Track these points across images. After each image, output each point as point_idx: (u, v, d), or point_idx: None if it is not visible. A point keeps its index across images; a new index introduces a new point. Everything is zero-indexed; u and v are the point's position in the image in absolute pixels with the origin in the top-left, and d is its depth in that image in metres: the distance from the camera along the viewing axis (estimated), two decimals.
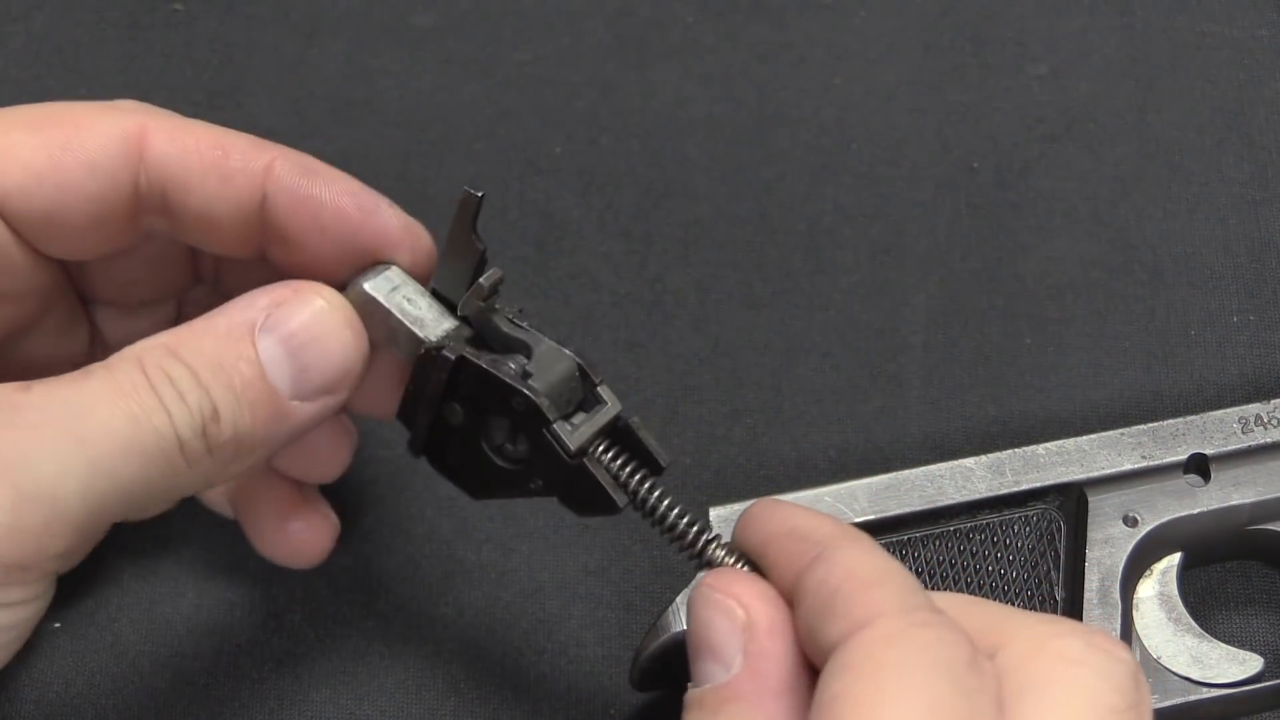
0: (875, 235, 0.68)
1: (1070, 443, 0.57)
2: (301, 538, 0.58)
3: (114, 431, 0.47)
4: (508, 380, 0.51)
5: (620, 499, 0.51)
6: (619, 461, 0.52)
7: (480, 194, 0.52)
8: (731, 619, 0.46)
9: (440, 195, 0.70)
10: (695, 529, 0.51)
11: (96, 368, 0.48)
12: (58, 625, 0.62)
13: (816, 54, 0.72)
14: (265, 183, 0.53)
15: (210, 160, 0.53)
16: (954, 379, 0.65)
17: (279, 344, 0.50)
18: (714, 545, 0.50)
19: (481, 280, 0.52)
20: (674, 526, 0.51)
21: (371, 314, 0.52)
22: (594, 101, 0.72)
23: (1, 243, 0.52)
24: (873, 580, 0.44)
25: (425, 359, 0.52)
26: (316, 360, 0.50)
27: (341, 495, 0.63)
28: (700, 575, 0.49)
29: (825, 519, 0.48)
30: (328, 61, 0.73)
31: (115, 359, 0.49)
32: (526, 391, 0.51)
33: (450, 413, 0.52)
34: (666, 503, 0.51)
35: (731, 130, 0.71)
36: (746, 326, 0.67)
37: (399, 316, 0.52)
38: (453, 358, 0.52)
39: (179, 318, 0.59)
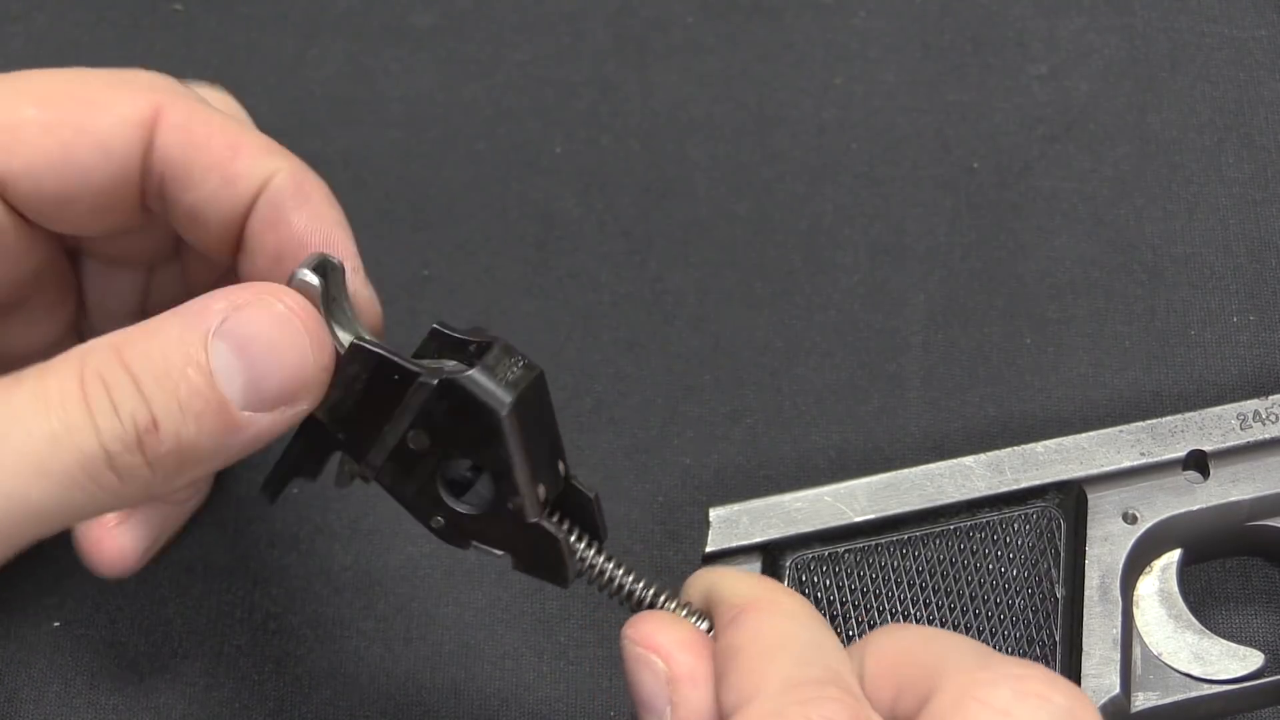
0: (875, 235, 0.68)
1: (1069, 440, 0.57)
2: (109, 544, 0.57)
3: (29, 454, 0.43)
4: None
5: (574, 568, 0.51)
6: (565, 526, 0.51)
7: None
8: (655, 672, 0.48)
9: (440, 195, 0.70)
10: (654, 590, 0.51)
11: (32, 372, 0.45)
12: (58, 625, 0.62)
13: (816, 54, 0.72)
14: (261, 194, 0.51)
15: (217, 159, 0.51)
16: (954, 379, 0.65)
17: (232, 350, 0.46)
18: (675, 605, 0.51)
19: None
20: (629, 590, 0.51)
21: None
22: (594, 101, 0.72)
23: (1, 226, 0.51)
24: (765, 652, 0.46)
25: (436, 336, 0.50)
26: (272, 369, 0.46)
27: (342, 495, 0.63)
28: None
29: (754, 583, 0.49)
30: (328, 61, 0.73)
31: (58, 360, 0.45)
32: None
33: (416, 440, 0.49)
34: (622, 569, 0.51)
35: (731, 130, 0.71)
36: (746, 326, 0.67)
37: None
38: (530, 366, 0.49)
39: (149, 279, 0.59)
